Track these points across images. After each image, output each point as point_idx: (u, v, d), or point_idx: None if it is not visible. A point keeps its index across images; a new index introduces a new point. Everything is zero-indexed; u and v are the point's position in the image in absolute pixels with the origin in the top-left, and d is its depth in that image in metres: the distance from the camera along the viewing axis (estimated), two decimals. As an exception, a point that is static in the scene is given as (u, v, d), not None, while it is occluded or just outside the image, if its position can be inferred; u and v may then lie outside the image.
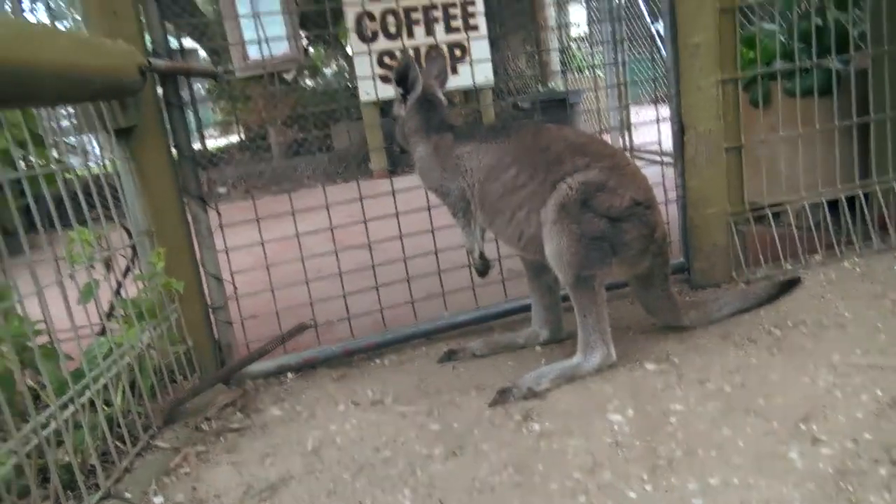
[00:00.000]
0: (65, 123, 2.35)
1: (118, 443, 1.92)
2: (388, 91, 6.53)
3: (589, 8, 7.46)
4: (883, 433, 1.59)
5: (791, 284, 2.56)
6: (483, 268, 2.39)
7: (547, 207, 2.10)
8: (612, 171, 2.11)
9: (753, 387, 1.91)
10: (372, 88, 6.65)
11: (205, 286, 2.45)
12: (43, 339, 1.83)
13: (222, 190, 7.73)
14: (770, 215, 2.80)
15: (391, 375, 2.40)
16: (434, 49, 6.93)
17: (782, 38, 2.96)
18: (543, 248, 2.13)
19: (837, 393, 1.80)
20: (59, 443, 1.71)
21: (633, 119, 6.14)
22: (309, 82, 9.37)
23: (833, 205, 2.84)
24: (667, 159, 2.96)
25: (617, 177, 2.10)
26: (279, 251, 2.72)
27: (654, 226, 2.16)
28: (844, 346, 2.06)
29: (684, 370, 2.08)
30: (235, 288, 2.51)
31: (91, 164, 2.17)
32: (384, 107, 7.19)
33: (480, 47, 6.84)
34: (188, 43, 9.15)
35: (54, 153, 2.01)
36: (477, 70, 3.06)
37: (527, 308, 2.57)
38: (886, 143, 2.74)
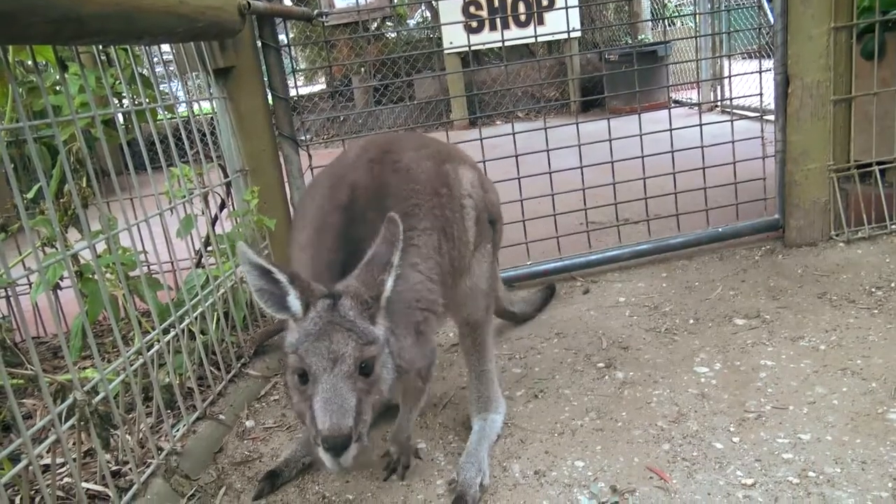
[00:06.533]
0: (159, 70, 2.42)
1: (213, 369, 2.02)
2: (473, 41, 6.55)
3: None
4: None
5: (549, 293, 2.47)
6: None
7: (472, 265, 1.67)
8: (431, 204, 1.53)
9: (851, 346, 1.83)
10: (455, 38, 6.57)
11: (295, 225, 2.52)
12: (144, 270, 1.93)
13: (307, 136, 7.87)
14: (877, 173, 2.64)
15: (472, 320, 2.43)
16: None
17: (904, -16, 2.73)
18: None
19: (944, 357, 1.72)
20: (161, 365, 1.82)
21: (727, 73, 5.85)
22: (393, 33, 9.33)
23: (948, 164, 2.65)
24: (754, 114, 2.82)
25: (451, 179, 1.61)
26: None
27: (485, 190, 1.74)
28: (953, 311, 1.95)
29: (776, 327, 2.01)
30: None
31: (190, 105, 2.24)
32: (467, 57, 7.12)
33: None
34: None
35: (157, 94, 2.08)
36: (563, 20, 2.95)
37: (610, 260, 2.61)
38: None
